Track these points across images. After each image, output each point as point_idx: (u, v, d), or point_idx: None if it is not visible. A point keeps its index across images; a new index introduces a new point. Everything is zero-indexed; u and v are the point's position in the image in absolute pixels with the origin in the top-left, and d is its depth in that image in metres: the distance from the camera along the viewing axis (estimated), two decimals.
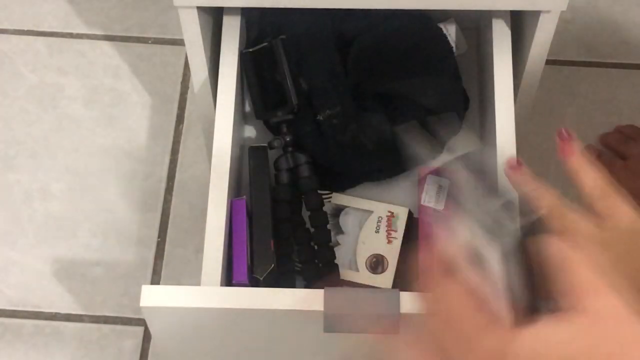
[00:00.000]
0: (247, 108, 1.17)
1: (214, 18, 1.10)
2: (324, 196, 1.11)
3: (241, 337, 0.96)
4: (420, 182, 1.13)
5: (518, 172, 0.82)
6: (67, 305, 1.32)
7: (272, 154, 1.10)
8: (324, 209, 1.10)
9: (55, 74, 1.48)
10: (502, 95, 1.05)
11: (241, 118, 1.14)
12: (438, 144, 0.69)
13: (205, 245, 0.96)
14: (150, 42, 1.50)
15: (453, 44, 1.14)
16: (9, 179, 1.40)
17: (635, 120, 1.39)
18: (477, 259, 0.58)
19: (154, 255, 1.35)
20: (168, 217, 1.38)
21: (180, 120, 1.45)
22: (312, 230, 1.10)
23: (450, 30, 1.15)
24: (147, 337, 1.29)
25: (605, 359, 0.52)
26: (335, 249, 1.10)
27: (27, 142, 1.43)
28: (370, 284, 1.09)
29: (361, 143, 1.08)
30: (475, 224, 0.59)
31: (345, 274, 1.10)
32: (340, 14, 1.05)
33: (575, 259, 0.56)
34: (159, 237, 1.36)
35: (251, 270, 0.99)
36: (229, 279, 0.98)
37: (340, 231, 1.12)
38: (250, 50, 1.10)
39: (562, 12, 1.02)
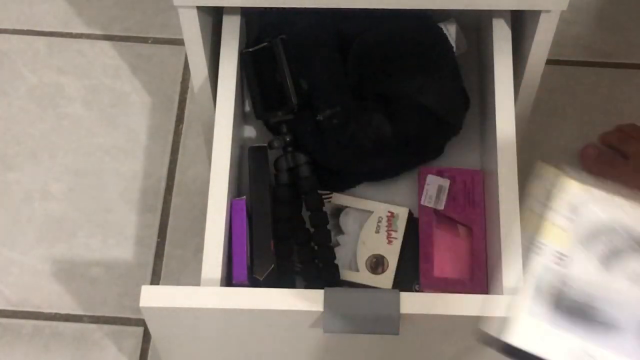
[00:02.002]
0: (247, 108, 1.17)
1: (214, 18, 1.10)
2: (324, 196, 1.11)
3: (241, 337, 0.96)
4: (420, 182, 1.13)
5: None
6: (67, 305, 1.32)
7: (272, 154, 1.10)
8: (324, 209, 1.10)
9: (55, 73, 1.48)
10: (502, 95, 1.04)
11: (241, 118, 1.14)
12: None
13: (205, 245, 0.96)
14: (150, 42, 1.50)
15: (453, 44, 1.14)
16: (8, 179, 1.40)
17: (636, 119, 1.39)
18: None
19: (154, 256, 1.35)
20: (168, 217, 1.37)
21: (180, 120, 1.45)
22: (312, 230, 1.10)
23: (450, 30, 1.15)
24: (147, 337, 1.29)
25: None
26: (335, 249, 1.10)
27: (27, 142, 1.43)
28: (371, 284, 1.08)
29: (361, 143, 1.08)
30: None
31: (345, 274, 1.09)
32: (341, 13, 1.05)
33: None
34: (158, 237, 1.36)
35: (251, 270, 0.99)
36: (229, 279, 0.98)
37: (340, 231, 1.12)
38: (250, 50, 1.10)
39: (562, 12, 1.02)
